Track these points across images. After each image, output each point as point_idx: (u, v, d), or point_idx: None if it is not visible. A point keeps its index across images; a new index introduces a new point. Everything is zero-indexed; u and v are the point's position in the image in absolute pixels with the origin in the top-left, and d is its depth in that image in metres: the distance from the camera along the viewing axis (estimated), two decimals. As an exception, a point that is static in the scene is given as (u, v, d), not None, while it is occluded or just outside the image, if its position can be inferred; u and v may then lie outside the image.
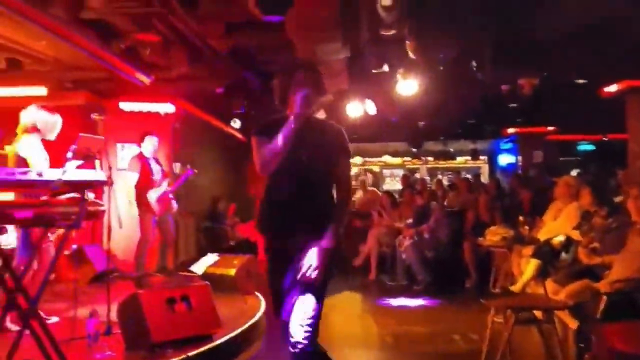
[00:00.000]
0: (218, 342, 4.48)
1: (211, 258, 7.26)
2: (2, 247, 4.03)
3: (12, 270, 3.80)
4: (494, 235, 6.04)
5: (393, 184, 15.88)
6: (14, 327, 4.44)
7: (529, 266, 5.63)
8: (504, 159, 15.83)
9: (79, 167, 3.92)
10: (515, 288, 5.81)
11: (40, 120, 5.07)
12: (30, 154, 4.85)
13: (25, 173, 3.40)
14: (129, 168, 7.17)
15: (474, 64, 6.36)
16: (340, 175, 2.95)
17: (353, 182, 16.23)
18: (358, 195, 12.17)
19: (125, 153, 9.06)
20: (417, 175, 15.49)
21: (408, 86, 7.14)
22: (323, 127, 3.07)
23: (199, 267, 7.27)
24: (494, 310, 4.25)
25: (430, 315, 6.19)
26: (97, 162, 4.16)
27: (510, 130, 13.57)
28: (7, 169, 3.55)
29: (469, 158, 15.93)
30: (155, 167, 7.02)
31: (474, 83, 7.19)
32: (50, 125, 5.08)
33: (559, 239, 5.29)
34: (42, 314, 4.65)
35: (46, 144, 8.12)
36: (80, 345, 4.19)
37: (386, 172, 16.77)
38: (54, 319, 4.15)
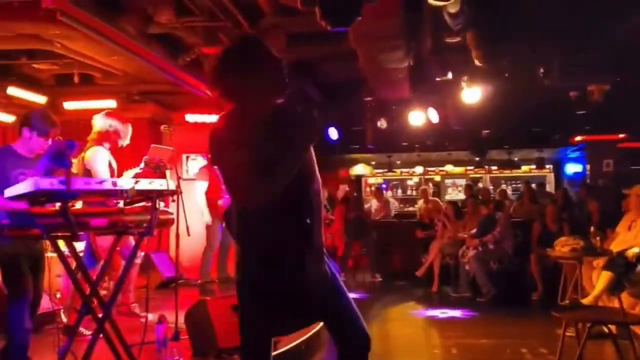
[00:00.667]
0: (282, 349, 4.50)
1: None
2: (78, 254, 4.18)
3: (88, 276, 3.96)
4: (563, 246, 5.82)
5: (455, 194, 15.64)
6: (86, 332, 4.62)
7: (601, 278, 5.42)
8: (572, 168, 15.33)
9: (149, 176, 4.04)
10: (587, 301, 5.59)
11: (113, 126, 5.22)
12: (93, 166, 5.00)
13: (100, 182, 3.54)
14: (198, 177, 7.40)
15: (541, 70, 6.21)
16: None
17: (414, 192, 16.18)
18: (419, 205, 12.04)
19: (190, 164, 9.32)
20: (480, 185, 15.19)
21: (472, 94, 7.03)
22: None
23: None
24: (566, 323, 4.11)
25: (496, 328, 6.03)
26: (167, 172, 4.28)
27: (578, 138, 13.12)
28: (84, 178, 3.70)
29: (534, 167, 15.50)
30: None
31: (541, 90, 7.00)
32: (122, 132, 5.21)
33: (634, 250, 5.06)
34: (137, 310, 4.85)
35: (117, 154, 8.44)
36: (149, 350, 4.30)
37: (448, 181, 16.52)
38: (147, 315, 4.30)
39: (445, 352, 5.23)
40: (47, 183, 3.26)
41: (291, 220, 2.43)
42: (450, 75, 6.93)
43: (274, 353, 4.30)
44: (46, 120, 3.94)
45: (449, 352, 5.23)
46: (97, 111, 8.52)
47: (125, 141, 5.25)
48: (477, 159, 15.05)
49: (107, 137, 5.17)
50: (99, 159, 4.99)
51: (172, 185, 4.03)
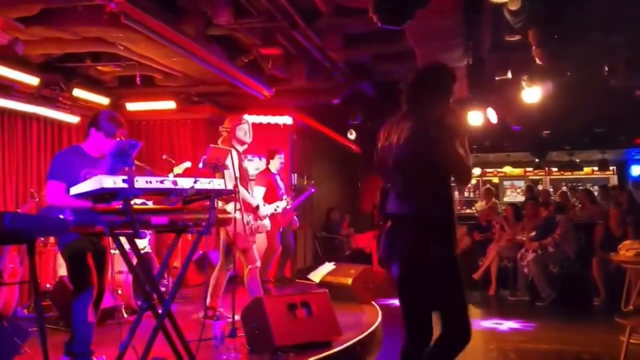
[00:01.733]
0: (337, 349, 4.51)
1: (328, 267, 7.37)
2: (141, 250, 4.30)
3: (149, 273, 4.07)
4: (628, 250, 5.60)
5: (513, 196, 15.27)
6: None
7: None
8: (637, 170, 14.74)
9: (208, 176, 4.11)
10: (653, 308, 5.37)
11: (226, 129, 5.45)
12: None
13: (162, 181, 3.62)
14: (256, 183, 7.51)
15: (606, 68, 5.98)
16: None
17: (471, 194, 15.88)
18: (478, 205, 11.80)
19: (247, 164, 9.43)
20: (540, 187, 14.78)
21: (533, 93, 6.84)
22: None
23: (317, 275, 7.41)
24: (630, 329, 3.95)
25: (556, 334, 5.86)
26: (225, 172, 4.35)
27: (644, 139, 12.61)
28: (146, 178, 3.80)
29: (596, 168, 14.98)
30: (280, 183, 7.30)
31: (605, 89, 6.75)
32: (237, 132, 5.40)
33: None
34: (225, 313, 5.00)
35: (177, 154, 8.63)
36: (207, 346, 4.39)
37: (506, 183, 16.15)
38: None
39: (503, 356, 5.12)
40: (110, 181, 3.36)
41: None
42: (509, 75, 6.76)
43: (327, 353, 4.33)
44: (113, 121, 4.06)
45: (507, 356, 5.11)
46: (158, 112, 8.87)
47: (244, 138, 5.44)
48: (537, 160, 14.66)
49: (229, 141, 5.39)
50: (230, 161, 5.11)
51: (230, 185, 4.10)
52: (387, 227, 3.04)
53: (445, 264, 2.96)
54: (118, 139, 3.62)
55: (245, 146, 5.51)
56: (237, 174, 5.10)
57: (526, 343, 5.58)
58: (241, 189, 5.14)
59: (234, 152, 5.22)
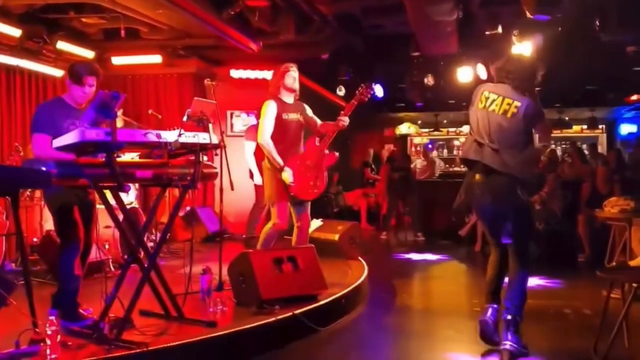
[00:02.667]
0: (323, 302, 4.56)
1: (315, 223, 7.39)
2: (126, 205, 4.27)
3: (135, 227, 4.07)
4: (613, 206, 5.64)
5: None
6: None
7: (651, 241, 5.24)
8: (626, 129, 14.78)
9: (192, 130, 4.06)
10: (634, 263, 5.44)
11: (271, 80, 5.28)
12: (261, 120, 5.10)
13: (145, 134, 3.58)
14: (247, 137, 7.45)
15: (597, 23, 5.91)
16: None
17: (460, 152, 15.90)
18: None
19: (235, 120, 9.37)
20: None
21: (524, 49, 6.77)
22: None
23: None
24: (611, 284, 4.01)
25: (539, 289, 5.94)
26: (210, 126, 4.29)
27: (634, 97, 12.55)
28: (129, 130, 3.75)
29: (585, 127, 14.99)
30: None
31: (596, 45, 6.69)
32: (283, 79, 5.18)
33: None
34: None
35: (163, 109, 8.54)
36: (194, 299, 4.42)
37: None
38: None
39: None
40: (93, 134, 3.32)
41: None
42: (500, 29, 6.69)
43: (313, 306, 4.38)
44: (81, 67, 3.96)
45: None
46: (144, 66, 8.74)
47: (294, 85, 5.21)
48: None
49: (275, 93, 5.19)
50: (266, 112, 5.07)
51: (215, 139, 4.05)
52: (479, 178, 3.92)
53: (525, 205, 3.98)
54: (100, 91, 3.55)
55: (293, 96, 5.24)
56: (266, 126, 4.99)
57: (510, 297, 5.66)
58: (269, 143, 5.02)
59: (274, 104, 5.09)
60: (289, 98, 5.21)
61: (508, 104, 3.81)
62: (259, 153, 7.30)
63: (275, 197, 5.03)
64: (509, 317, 3.79)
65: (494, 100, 3.85)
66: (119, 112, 6.61)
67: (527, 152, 3.82)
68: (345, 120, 5.13)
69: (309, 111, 5.31)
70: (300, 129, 5.23)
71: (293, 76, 5.20)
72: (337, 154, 5.28)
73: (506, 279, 4.06)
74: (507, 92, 3.85)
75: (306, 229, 5.34)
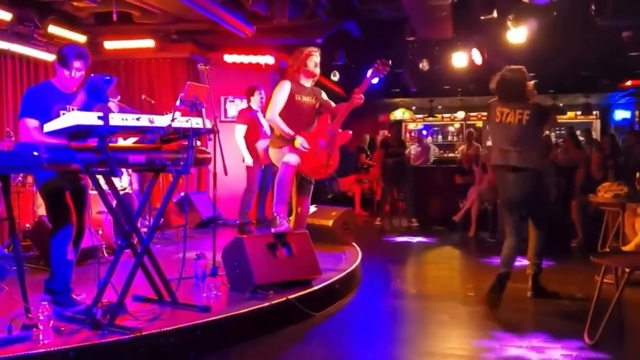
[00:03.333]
0: (316, 287, 4.56)
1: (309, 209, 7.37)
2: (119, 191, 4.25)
3: (128, 212, 4.04)
4: (606, 192, 5.64)
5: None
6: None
7: (644, 226, 5.26)
8: (620, 114, 14.79)
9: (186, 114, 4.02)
10: (628, 248, 5.47)
11: (289, 64, 5.21)
12: (273, 96, 5.06)
13: (138, 119, 3.55)
14: (238, 120, 7.41)
15: (592, 8, 5.88)
16: None
17: (454, 138, 15.89)
18: (461, 149, 11.82)
19: (228, 106, 9.33)
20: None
21: (518, 34, 6.74)
22: None
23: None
24: (604, 268, 4.02)
25: (533, 274, 5.96)
26: (203, 111, 4.26)
27: (629, 83, 12.56)
28: (121, 114, 3.71)
29: (580, 113, 15.00)
30: (263, 120, 7.18)
31: (592, 30, 6.66)
32: (301, 63, 5.10)
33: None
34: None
35: (156, 94, 8.48)
36: (188, 285, 4.41)
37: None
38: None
39: (480, 294, 5.21)
40: (85, 118, 3.29)
41: None
42: (495, 14, 6.64)
43: (306, 291, 4.38)
44: (68, 50, 3.92)
45: (483, 295, 5.20)
46: (137, 51, 8.66)
47: (315, 70, 5.14)
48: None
49: (296, 75, 5.14)
50: (279, 90, 5.02)
51: (208, 124, 4.02)
52: (509, 177, 4.84)
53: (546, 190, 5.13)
54: (92, 75, 3.51)
55: (311, 81, 5.17)
56: (276, 103, 4.94)
57: (503, 282, 5.68)
58: (277, 119, 4.96)
59: (289, 84, 5.03)
60: (306, 82, 5.17)
61: (520, 113, 4.75)
62: (251, 135, 7.26)
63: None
64: (536, 268, 4.99)
65: (508, 114, 4.80)
66: (116, 100, 6.58)
67: (542, 146, 5.10)
68: (360, 97, 5.04)
69: (324, 95, 5.28)
70: (313, 113, 5.17)
71: (315, 61, 5.15)
72: (350, 132, 5.21)
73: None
74: (515, 104, 4.80)
75: (305, 216, 5.33)
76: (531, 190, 4.81)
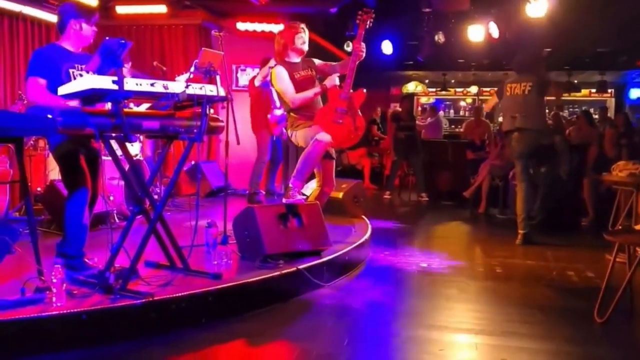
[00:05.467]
0: (326, 258, 4.57)
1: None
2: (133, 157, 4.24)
3: (141, 178, 4.04)
4: (621, 170, 5.58)
5: (508, 116, 15.17)
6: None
7: (658, 206, 5.21)
8: (635, 93, 14.59)
9: (200, 81, 3.99)
10: (640, 228, 5.42)
11: (280, 42, 5.13)
12: (280, 87, 5.03)
13: (152, 84, 3.52)
14: (251, 90, 7.37)
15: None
16: None
17: (467, 113, 15.74)
18: (465, 123, 11.71)
19: (240, 75, 9.26)
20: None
21: (538, 7, 6.60)
22: None
23: (308, 189, 7.42)
24: (617, 247, 4.00)
25: (543, 251, 5.95)
26: (218, 78, 4.23)
27: (646, 61, 12.38)
28: (135, 79, 3.68)
29: (594, 90, 14.80)
30: (274, 91, 7.13)
31: (610, 4, 6.52)
32: (292, 40, 5.05)
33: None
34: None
35: (168, 61, 8.43)
36: (199, 252, 4.43)
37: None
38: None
39: (489, 270, 5.22)
40: (100, 82, 3.26)
41: None
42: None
43: (316, 262, 4.39)
44: (85, 6, 3.91)
45: (492, 270, 5.21)
46: (148, 16, 8.58)
47: (303, 47, 5.09)
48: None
49: (283, 53, 5.10)
50: (279, 78, 4.99)
51: (222, 92, 3.99)
52: (514, 136, 6.07)
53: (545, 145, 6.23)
54: (107, 38, 3.47)
55: (299, 59, 5.13)
56: (287, 90, 4.93)
57: (512, 258, 5.68)
58: (299, 95, 4.96)
59: (282, 68, 4.99)
60: (296, 59, 5.12)
61: (523, 85, 5.96)
62: (261, 105, 7.23)
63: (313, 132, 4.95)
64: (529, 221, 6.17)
65: (515, 87, 6.03)
66: (128, 66, 6.55)
67: (543, 112, 6.19)
68: (361, 48, 4.94)
69: (318, 62, 5.23)
70: (314, 84, 5.13)
71: (303, 38, 5.08)
72: (364, 90, 5.15)
73: None
74: (521, 77, 6.02)
75: (328, 195, 5.35)
76: (532, 145, 6.01)
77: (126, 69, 6.51)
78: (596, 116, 12.04)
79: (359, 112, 5.10)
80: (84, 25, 3.86)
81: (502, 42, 8.65)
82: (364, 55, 4.97)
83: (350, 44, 9.89)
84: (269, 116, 7.22)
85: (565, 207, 7.52)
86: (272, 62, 7.06)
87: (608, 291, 3.83)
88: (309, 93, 4.92)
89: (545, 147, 6.23)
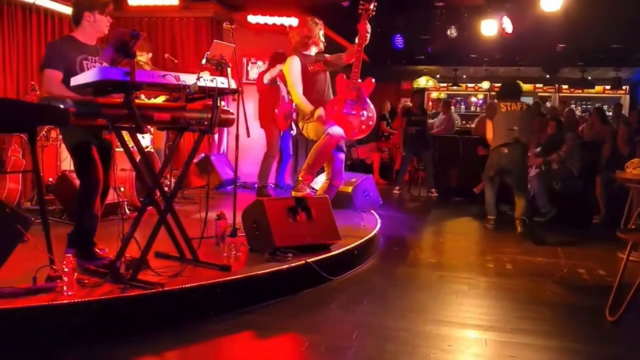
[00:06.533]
0: (335, 252, 4.57)
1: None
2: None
3: (152, 169, 4.05)
4: (635, 168, 5.54)
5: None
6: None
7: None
8: (650, 90, 14.45)
9: (211, 73, 3.98)
10: (653, 227, 5.38)
11: (295, 37, 5.25)
12: (288, 76, 5.11)
13: (164, 76, 3.52)
14: (259, 85, 7.38)
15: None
16: None
17: (478, 109, 15.65)
18: (477, 120, 11.65)
19: (250, 68, 9.25)
20: (548, 104, 14.56)
21: (553, 2, 6.54)
22: None
23: (317, 183, 7.42)
24: (631, 245, 3.97)
25: (553, 248, 5.93)
26: (229, 70, 4.22)
27: (662, 57, 12.23)
28: (147, 71, 3.68)
29: (608, 87, 14.66)
30: (283, 87, 7.15)
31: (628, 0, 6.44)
32: (308, 33, 5.18)
33: None
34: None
35: (179, 53, 8.43)
36: (208, 244, 4.45)
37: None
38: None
39: (499, 266, 5.20)
40: (112, 73, 3.27)
41: None
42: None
43: (325, 256, 4.39)
44: None
45: (503, 267, 5.19)
46: (160, 9, 8.59)
47: (322, 38, 5.22)
48: (548, 76, 14.33)
49: (304, 45, 5.21)
50: (291, 68, 5.06)
51: (233, 84, 3.99)
52: (506, 149, 6.55)
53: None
54: (119, 29, 3.48)
55: (315, 52, 5.25)
56: (295, 83, 4.98)
57: (523, 255, 5.66)
58: (301, 96, 5.03)
59: (297, 58, 5.08)
60: (313, 51, 5.24)
61: (520, 104, 6.67)
62: (270, 100, 7.24)
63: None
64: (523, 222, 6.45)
65: (511, 105, 6.61)
66: (149, 55, 6.57)
67: (531, 128, 6.87)
68: (367, 29, 4.97)
69: (327, 55, 5.31)
70: (326, 77, 5.22)
71: (323, 31, 5.23)
72: (373, 79, 5.16)
73: None
74: (514, 99, 6.72)
75: (337, 188, 5.41)
76: (517, 161, 6.54)
77: (147, 57, 6.55)
78: (610, 113, 11.93)
79: (369, 102, 5.10)
80: (98, 16, 3.87)
81: (516, 36, 8.57)
82: (367, 37, 4.96)
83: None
84: (276, 111, 7.22)
85: (578, 205, 7.47)
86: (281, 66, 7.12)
87: (620, 289, 3.80)
88: (305, 103, 5.04)
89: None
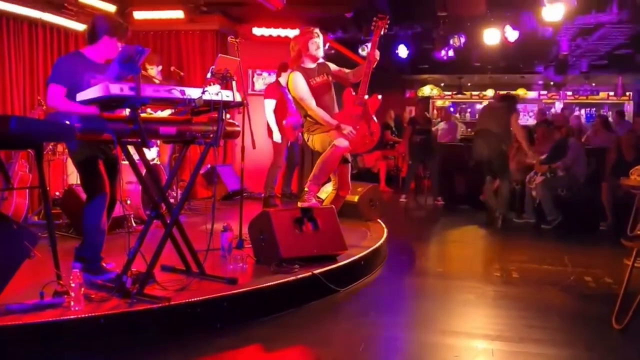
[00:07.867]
0: (342, 263, 4.57)
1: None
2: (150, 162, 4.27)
3: (158, 182, 4.07)
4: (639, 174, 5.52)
5: (525, 119, 15.08)
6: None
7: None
8: (655, 96, 14.42)
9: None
10: (660, 234, 5.35)
11: (295, 48, 5.10)
12: (296, 94, 5.01)
13: (169, 90, 3.55)
14: (267, 95, 7.42)
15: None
16: None
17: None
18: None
19: (256, 79, 9.30)
20: (553, 111, 14.55)
21: (555, 11, 6.56)
22: None
23: (323, 192, 7.43)
24: (636, 252, 3.95)
25: (560, 255, 5.90)
26: (234, 84, 4.25)
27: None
28: (153, 85, 3.71)
29: (612, 93, 14.64)
30: (290, 97, 7.17)
31: (629, 5, 6.45)
32: (309, 46, 5.02)
33: None
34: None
35: (185, 66, 8.48)
36: (214, 256, 4.46)
37: (518, 106, 15.90)
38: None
39: (506, 275, 5.18)
40: (117, 88, 3.30)
41: None
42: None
43: (332, 267, 4.39)
44: (122, 24, 3.97)
45: (509, 275, 5.18)
46: (166, 22, 8.65)
47: (317, 53, 5.06)
48: (552, 83, 14.33)
49: (298, 60, 5.08)
50: (296, 85, 4.97)
51: (239, 97, 4.01)
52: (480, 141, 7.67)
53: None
54: (125, 45, 3.51)
55: (315, 64, 5.09)
56: (305, 97, 4.93)
57: (529, 263, 5.64)
58: (319, 110, 4.94)
59: (299, 74, 4.96)
60: (311, 64, 5.09)
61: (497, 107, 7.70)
62: (279, 111, 7.28)
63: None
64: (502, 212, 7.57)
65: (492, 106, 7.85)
66: (159, 68, 6.60)
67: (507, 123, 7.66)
68: (376, 55, 4.95)
69: (333, 67, 5.20)
70: (331, 89, 5.13)
71: (317, 43, 5.05)
72: (379, 96, 5.15)
73: None
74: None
75: (344, 198, 5.37)
76: (497, 149, 7.54)
77: (156, 70, 6.60)
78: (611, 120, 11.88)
79: (374, 118, 5.11)
80: (116, 42, 3.91)
81: (519, 44, 8.59)
82: (377, 59, 4.98)
83: (366, 48, 9.90)
84: (284, 122, 7.26)
85: (584, 212, 7.45)
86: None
87: (626, 297, 3.79)
88: (328, 119, 4.94)
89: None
